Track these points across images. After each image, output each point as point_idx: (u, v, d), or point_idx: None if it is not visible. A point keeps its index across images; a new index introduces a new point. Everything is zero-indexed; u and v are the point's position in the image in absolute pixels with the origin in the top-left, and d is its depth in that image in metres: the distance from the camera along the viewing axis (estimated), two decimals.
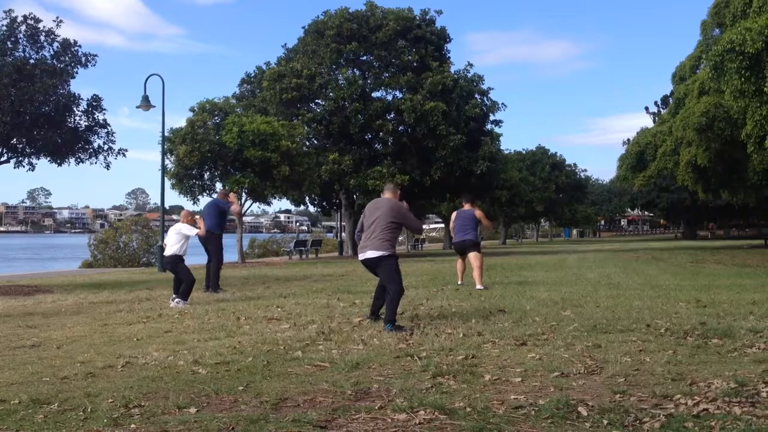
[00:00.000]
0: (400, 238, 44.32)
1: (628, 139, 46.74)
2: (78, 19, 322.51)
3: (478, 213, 12.74)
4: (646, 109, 67.95)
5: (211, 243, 12.66)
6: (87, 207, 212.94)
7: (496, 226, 66.57)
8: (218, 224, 12.97)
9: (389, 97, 34.78)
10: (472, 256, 12.33)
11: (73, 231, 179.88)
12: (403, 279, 7.64)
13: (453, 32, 41.85)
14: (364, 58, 34.83)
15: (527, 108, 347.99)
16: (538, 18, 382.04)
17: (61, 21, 15.56)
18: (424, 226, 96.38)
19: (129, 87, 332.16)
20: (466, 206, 12.88)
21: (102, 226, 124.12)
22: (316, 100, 34.08)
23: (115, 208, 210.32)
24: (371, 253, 7.39)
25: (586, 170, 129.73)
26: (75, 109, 16.00)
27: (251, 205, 29.29)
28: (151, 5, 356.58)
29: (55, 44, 15.52)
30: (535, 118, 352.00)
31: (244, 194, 26.85)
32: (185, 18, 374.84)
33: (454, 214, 13.11)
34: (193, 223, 11.05)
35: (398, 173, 31.33)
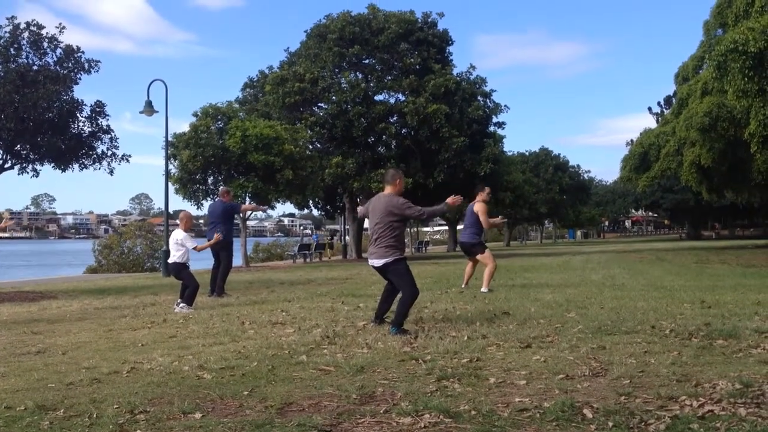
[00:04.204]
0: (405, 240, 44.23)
1: (632, 140, 46.73)
2: (88, 26, 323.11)
3: (475, 207, 11.83)
4: (649, 109, 67.90)
5: (225, 249, 12.62)
6: (91, 212, 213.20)
7: (500, 228, 66.40)
8: (231, 229, 13.02)
9: (392, 100, 34.84)
10: (481, 258, 11.82)
11: (77, 237, 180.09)
12: None
13: (461, 35, 42.07)
14: (367, 61, 34.87)
15: (533, 110, 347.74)
16: (544, 21, 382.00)
17: (63, 27, 15.59)
18: (427, 229, 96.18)
19: (134, 92, 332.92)
20: (476, 198, 12.01)
21: (106, 231, 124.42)
22: (319, 104, 34.14)
23: (119, 213, 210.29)
24: (377, 262, 7.37)
25: (589, 171, 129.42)
26: (78, 115, 16.02)
27: None
28: (160, 11, 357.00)
29: (58, 50, 15.54)
30: (540, 120, 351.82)
31: (247, 198, 26.87)
32: (193, 23, 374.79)
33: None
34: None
35: None
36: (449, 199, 7.46)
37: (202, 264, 20.76)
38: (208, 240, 12.18)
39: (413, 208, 7.40)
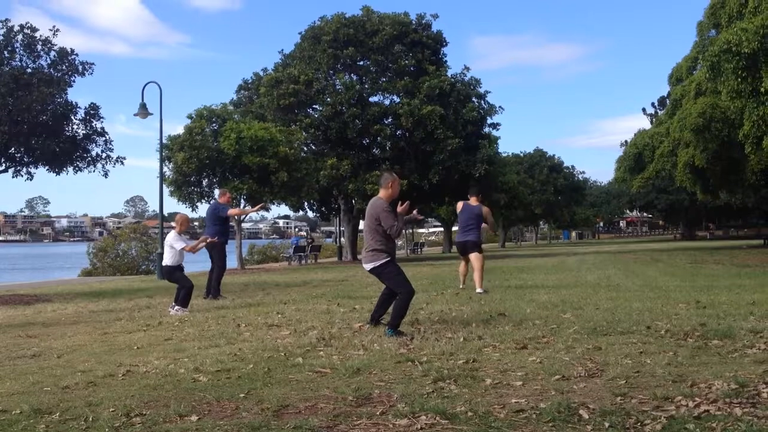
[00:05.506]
0: (400, 242, 44.26)
1: (626, 141, 46.83)
2: (84, 29, 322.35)
3: (485, 210, 12.20)
4: (644, 110, 68.17)
5: (216, 250, 12.59)
6: (85, 215, 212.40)
7: (495, 229, 66.54)
8: (221, 231, 12.88)
9: (386, 102, 34.88)
10: (473, 257, 12.01)
11: (71, 239, 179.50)
12: None
13: (456, 36, 42.23)
14: (361, 63, 34.90)
15: (528, 111, 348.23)
16: (539, 23, 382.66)
17: (57, 30, 15.57)
18: (422, 231, 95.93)
19: (129, 94, 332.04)
20: (473, 200, 12.32)
21: (101, 234, 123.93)
22: (314, 106, 34.15)
23: (113, 216, 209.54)
24: (367, 266, 7.38)
25: (584, 172, 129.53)
26: (73, 117, 15.99)
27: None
28: (156, 13, 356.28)
29: (52, 53, 15.52)
30: (535, 121, 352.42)
31: (242, 200, 26.86)
32: (188, 25, 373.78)
33: (460, 205, 12.47)
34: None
35: None
36: (398, 209, 7.41)
37: (198, 266, 20.73)
38: None
39: (388, 221, 7.16)
